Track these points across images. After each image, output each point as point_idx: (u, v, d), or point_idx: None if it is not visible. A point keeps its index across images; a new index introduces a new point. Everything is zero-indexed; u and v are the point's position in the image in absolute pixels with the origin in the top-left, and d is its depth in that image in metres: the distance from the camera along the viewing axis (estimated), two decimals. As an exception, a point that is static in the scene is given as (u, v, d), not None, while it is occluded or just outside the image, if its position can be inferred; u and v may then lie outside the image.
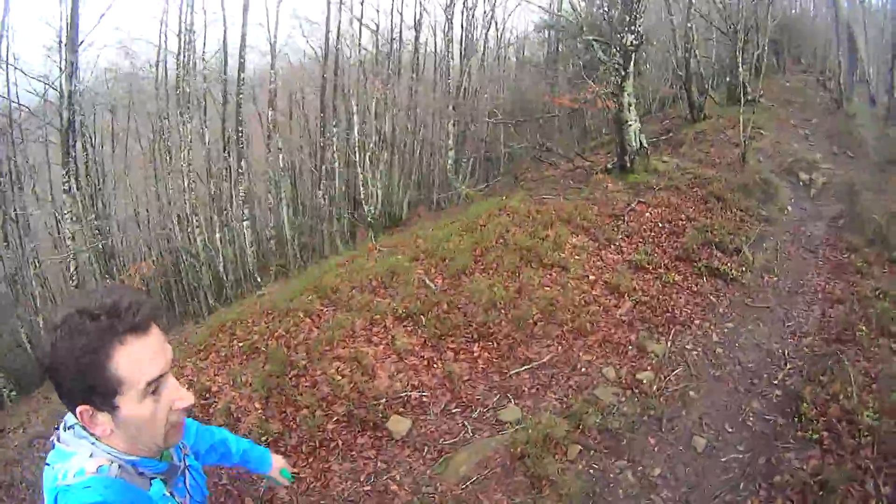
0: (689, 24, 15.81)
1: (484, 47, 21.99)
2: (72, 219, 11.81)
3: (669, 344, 7.62)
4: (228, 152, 15.89)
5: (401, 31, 20.24)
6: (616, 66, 12.40)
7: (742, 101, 14.73)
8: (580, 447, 5.83)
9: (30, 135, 14.80)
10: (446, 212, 14.73)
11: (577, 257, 9.84)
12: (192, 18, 15.37)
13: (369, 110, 18.51)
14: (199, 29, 15.33)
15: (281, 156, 17.44)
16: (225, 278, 14.98)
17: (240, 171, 14.98)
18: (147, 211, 18.11)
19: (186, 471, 1.64)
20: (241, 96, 15.25)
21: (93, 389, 1.31)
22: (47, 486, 1.37)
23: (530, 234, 10.42)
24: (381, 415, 6.34)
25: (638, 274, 9.39)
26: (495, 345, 7.72)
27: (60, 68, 13.32)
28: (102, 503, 1.27)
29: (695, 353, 7.48)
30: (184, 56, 15.37)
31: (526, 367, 7.34)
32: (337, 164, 18.16)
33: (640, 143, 12.81)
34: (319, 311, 8.28)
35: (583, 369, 7.29)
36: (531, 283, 9.04)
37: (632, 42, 12.01)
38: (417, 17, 19.99)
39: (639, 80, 19.77)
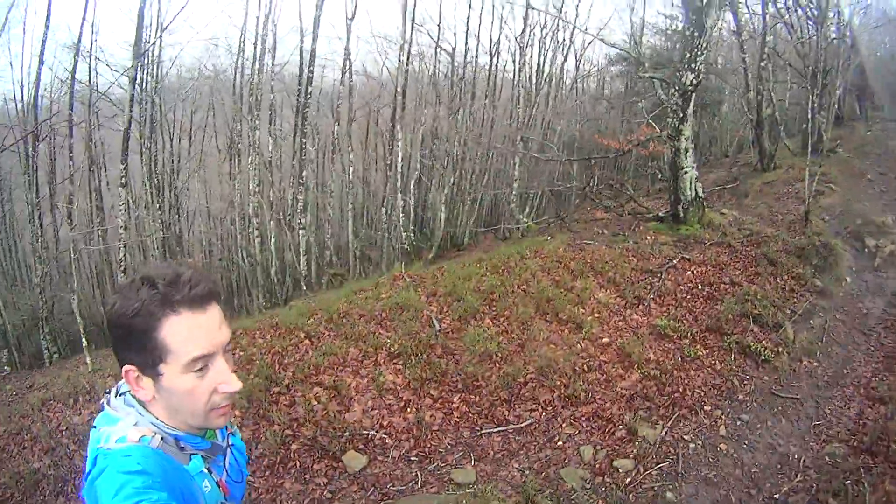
0: (762, 64, 14.50)
1: (560, 77, 21.23)
2: (125, 209, 12.38)
3: (666, 431, 6.83)
4: (295, 162, 16.18)
5: (476, 55, 19.71)
6: (674, 106, 11.54)
7: (817, 151, 13.44)
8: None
9: (112, 124, 15.19)
10: (507, 242, 14.28)
11: (596, 315, 9.20)
12: (268, 28, 15.65)
13: (439, 133, 18.40)
14: (275, 39, 15.67)
15: (352, 168, 17.51)
16: (275, 281, 15.19)
17: (301, 182, 15.14)
18: (214, 208, 18.73)
19: (229, 450, 1.62)
20: (307, 109, 15.41)
21: (139, 352, 1.33)
22: (90, 446, 1.39)
23: (555, 283, 9.87)
24: (342, 447, 6.25)
25: (659, 342, 8.63)
26: (477, 399, 7.32)
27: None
28: (141, 472, 1.27)
29: (693, 445, 6.65)
30: (258, 64, 15.64)
31: (500, 428, 6.90)
32: (405, 181, 18.07)
33: (696, 193, 11.85)
34: (321, 333, 8.20)
35: (560, 443, 6.70)
36: (537, 337, 8.52)
37: (691, 81, 11.08)
38: (494, 41, 19.62)
39: (714, 121, 18.54)
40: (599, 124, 18.48)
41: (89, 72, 14.35)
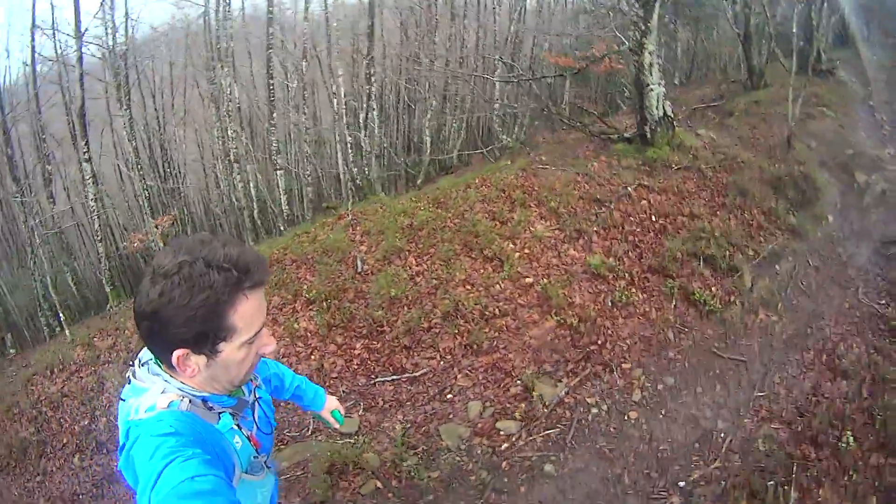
0: None
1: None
2: (93, 181, 11.54)
3: (568, 390, 5.35)
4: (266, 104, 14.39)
5: None
6: (635, 17, 9.29)
7: (813, 71, 11.21)
8: (378, 485, 4.55)
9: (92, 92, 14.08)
10: (495, 162, 12.29)
11: (526, 250, 7.51)
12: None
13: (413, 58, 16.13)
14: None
15: (336, 101, 15.52)
16: (258, 224, 14.13)
17: (271, 122, 13.32)
18: (204, 158, 17.25)
19: (256, 403, 1.55)
20: (270, 50, 13.18)
21: (203, 336, 1.26)
22: (121, 419, 1.33)
23: (491, 215, 8.18)
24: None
25: (590, 283, 6.97)
26: (379, 345, 6.40)
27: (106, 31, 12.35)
28: (174, 433, 1.22)
29: (595, 410, 5.16)
30: (221, 11, 13.59)
31: (394, 377, 6.02)
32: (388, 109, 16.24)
33: (664, 112, 9.76)
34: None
35: (450, 395, 5.64)
36: (454, 277, 7.03)
37: None
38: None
39: (709, 36, 15.91)
40: (574, 40, 15.83)
41: (56, 47, 12.70)
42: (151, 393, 1.31)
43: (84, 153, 10.97)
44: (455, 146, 15.21)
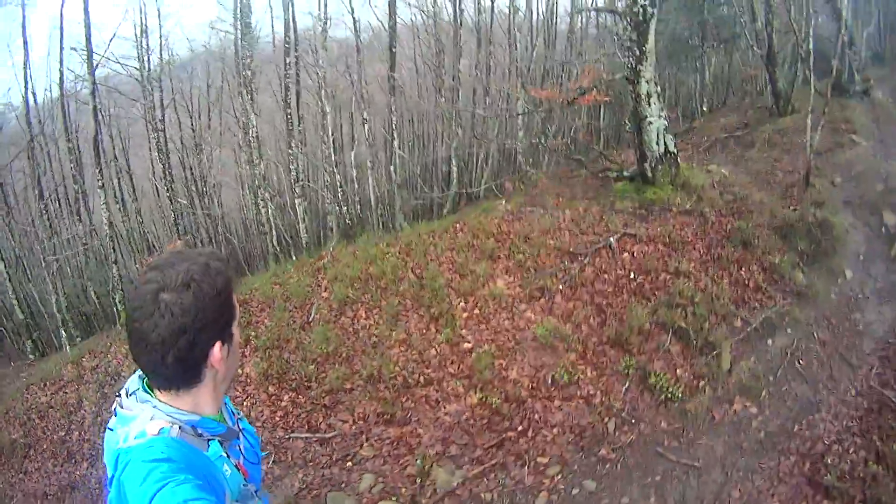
0: None
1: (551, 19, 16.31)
2: (107, 207, 11.24)
3: (463, 480, 4.58)
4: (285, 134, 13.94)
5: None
6: (629, 43, 8.13)
7: (846, 92, 9.56)
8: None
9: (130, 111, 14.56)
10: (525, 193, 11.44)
11: (476, 311, 6.65)
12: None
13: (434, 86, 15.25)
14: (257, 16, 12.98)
15: (367, 127, 14.91)
16: (278, 250, 13.33)
17: (290, 151, 12.82)
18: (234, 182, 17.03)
19: (241, 434, 1.49)
20: (287, 79, 12.52)
21: (227, 320, 1.30)
22: (108, 449, 1.27)
23: (454, 267, 7.39)
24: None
25: (536, 354, 6.01)
26: (303, 400, 6.03)
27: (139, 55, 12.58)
28: (165, 459, 1.17)
29: None
30: (241, 42, 13.08)
31: (307, 435, 5.61)
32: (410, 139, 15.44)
33: (666, 147, 8.50)
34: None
35: (350, 464, 5.22)
36: (392, 336, 6.38)
37: (645, 8, 7.69)
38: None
39: (732, 58, 14.06)
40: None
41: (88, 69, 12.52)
42: (140, 420, 1.25)
43: (98, 181, 10.92)
44: (482, 176, 13.96)
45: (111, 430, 1.29)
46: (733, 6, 11.49)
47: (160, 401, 1.28)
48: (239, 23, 11.42)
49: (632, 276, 7.00)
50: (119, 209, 13.20)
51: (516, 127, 13.67)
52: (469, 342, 6.20)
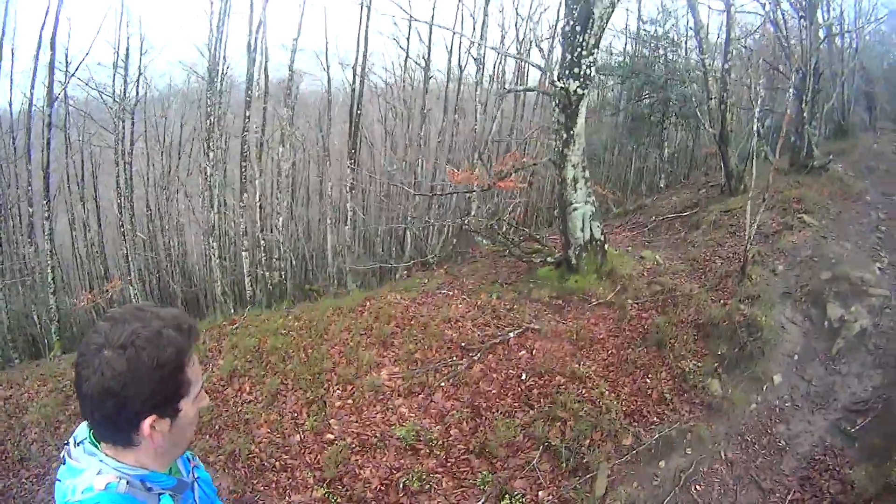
0: (726, 65, 9.36)
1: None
2: (50, 237, 10.76)
3: None
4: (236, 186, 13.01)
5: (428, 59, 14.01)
6: (556, 125, 7.58)
7: (804, 167, 8.61)
8: None
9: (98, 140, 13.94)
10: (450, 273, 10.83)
11: (351, 401, 5.99)
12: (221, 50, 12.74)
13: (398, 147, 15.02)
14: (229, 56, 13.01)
15: (330, 185, 14.65)
16: (222, 302, 12.83)
17: (241, 204, 12.63)
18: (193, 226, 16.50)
19: (195, 483, 1.36)
20: (245, 133, 12.22)
21: (171, 394, 1.16)
22: (58, 501, 1.18)
23: (343, 350, 6.79)
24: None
25: (396, 454, 5.24)
26: None
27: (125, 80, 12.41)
28: None
29: None
30: (207, 91, 12.68)
31: None
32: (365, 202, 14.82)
33: (591, 235, 7.73)
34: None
35: None
36: (262, 417, 5.96)
37: (575, 91, 7.16)
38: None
39: (689, 134, 13.23)
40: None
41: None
42: (88, 474, 1.14)
43: (45, 213, 10.19)
44: (438, 243, 13.36)
45: (59, 480, 1.19)
46: (694, 84, 10.84)
47: (105, 454, 1.16)
48: (208, 70, 11.42)
49: (523, 377, 6.14)
50: (84, 235, 12.60)
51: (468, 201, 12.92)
52: (333, 433, 5.50)
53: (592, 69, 7.12)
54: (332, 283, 12.67)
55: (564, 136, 7.31)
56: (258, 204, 11.90)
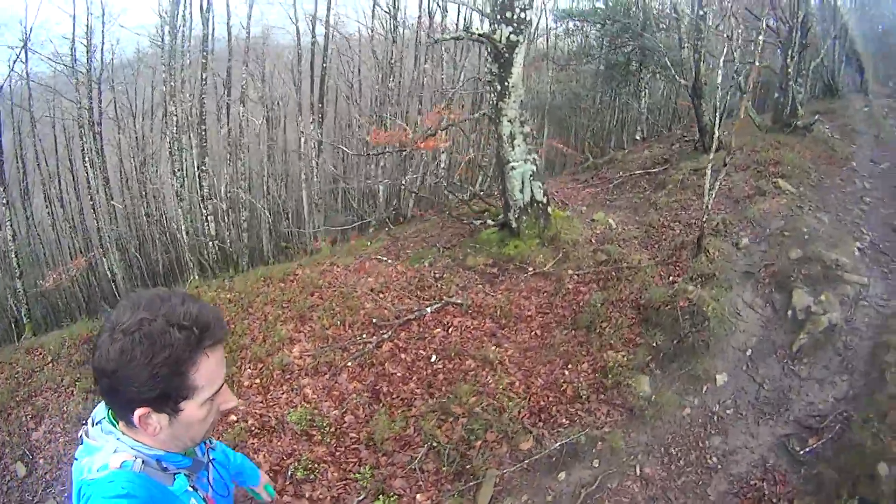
0: (701, 12, 7.12)
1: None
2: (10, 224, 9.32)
3: None
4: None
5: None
6: (490, 76, 5.79)
7: (787, 126, 6.60)
8: None
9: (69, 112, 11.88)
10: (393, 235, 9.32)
11: (259, 380, 4.82)
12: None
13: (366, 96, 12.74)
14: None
15: (302, 139, 12.17)
16: (190, 265, 10.56)
17: (202, 167, 10.07)
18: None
19: (210, 465, 1.21)
20: (203, 96, 9.95)
21: (165, 395, 0.97)
22: (74, 479, 1.03)
23: (262, 325, 5.57)
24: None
25: (290, 440, 4.08)
26: None
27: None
28: (126, 496, 0.95)
29: None
30: (171, 45, 10.41)
31: None
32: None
33: (532, 196, 6.08)
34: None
35: None
36: None
37: (508, 37, 5.33)
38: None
39: (662, 82, 10.75)
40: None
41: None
42: (104, 452, 1.00)
43: (2, 198, 8.97)
44: (409, 200, 11.21)
45: (76, 459, 1.04)
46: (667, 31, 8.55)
47: (123, 433, 1.01)
48: (161, 36, 9.56)
49: (432, 359, 4.78)
50: (62, 210, 11.25)
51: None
52: (237, 414, 4.36)
53: (528, 13, 5.24)
54: (310, 241, 11.10)
55: (499, 87, 5.57)
56: (208, 167, 10.07)
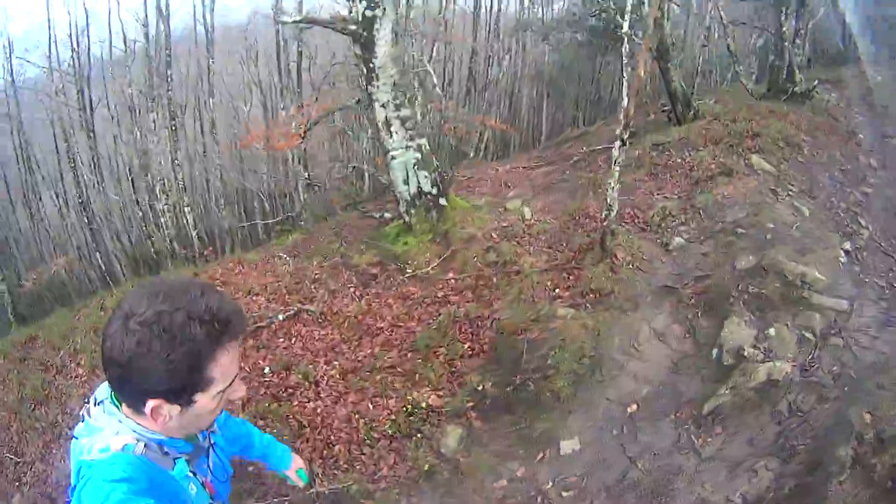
0: None
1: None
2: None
3: None
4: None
5: None
6: (355, 59, 4.33)
7: (784, 93, 4.05)
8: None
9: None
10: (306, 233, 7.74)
11: (86, 389, 4.15)
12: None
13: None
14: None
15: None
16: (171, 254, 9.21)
17: (176, 154, 8.97)
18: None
19: (211, 449, 0.99)
20: (170, 91, 8.76)
21: (179, 386, 0.78)
22: (73, 458, 0.86)
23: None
24: None
25: None
26: None
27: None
28: (126, 479, 0.78)
29: None
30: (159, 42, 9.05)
31: None
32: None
33: (419, 188, 4.52)
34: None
35: None
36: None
37: (363, 14, 3.86)
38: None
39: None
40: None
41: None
42: (105, 433, 0.83)
43: None
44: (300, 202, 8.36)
45: (76, 437, 0.87)
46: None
47: (125, 415, 0.84)
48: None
49: (266, 370, 3.64)
50: (69, 205, 9.92)
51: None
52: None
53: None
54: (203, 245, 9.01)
55: (365, 70, 4.08)
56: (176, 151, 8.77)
